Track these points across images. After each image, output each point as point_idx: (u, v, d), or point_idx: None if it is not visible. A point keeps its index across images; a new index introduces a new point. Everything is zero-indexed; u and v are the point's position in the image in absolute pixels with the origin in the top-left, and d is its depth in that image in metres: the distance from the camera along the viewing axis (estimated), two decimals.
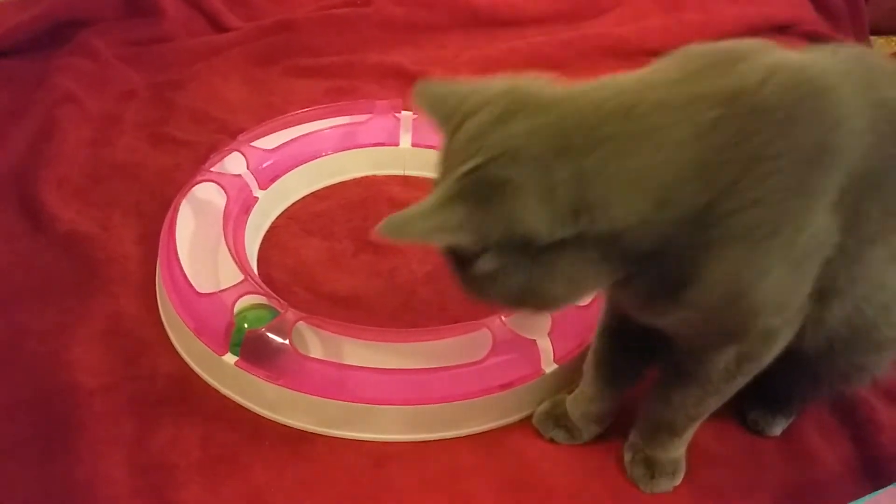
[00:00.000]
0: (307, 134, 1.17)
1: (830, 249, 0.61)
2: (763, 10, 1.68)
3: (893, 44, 1.81)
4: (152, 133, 1.27)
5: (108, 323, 0.93)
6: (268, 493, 0.77)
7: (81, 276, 0.99)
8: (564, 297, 0.61)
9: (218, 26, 1.57)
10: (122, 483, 0.76)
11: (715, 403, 0.72)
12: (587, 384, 0.80)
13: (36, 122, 1.25)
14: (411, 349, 0.86)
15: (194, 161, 1.16)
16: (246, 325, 0.85)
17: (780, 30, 1.66)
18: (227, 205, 1.02)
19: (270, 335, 0.83)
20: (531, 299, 0.60)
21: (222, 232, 0.97)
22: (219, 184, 1.04)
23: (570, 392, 0.83)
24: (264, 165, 1.11)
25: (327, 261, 1.05)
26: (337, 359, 0.84)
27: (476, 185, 0.55)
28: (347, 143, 1.19)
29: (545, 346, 0.85)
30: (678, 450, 0.78)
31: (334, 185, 1.19)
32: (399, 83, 1.43)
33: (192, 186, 1.04)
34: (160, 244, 0.98)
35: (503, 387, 0.83)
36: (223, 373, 0.85)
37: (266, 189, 1.09)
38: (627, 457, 0.79)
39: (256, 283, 0.91)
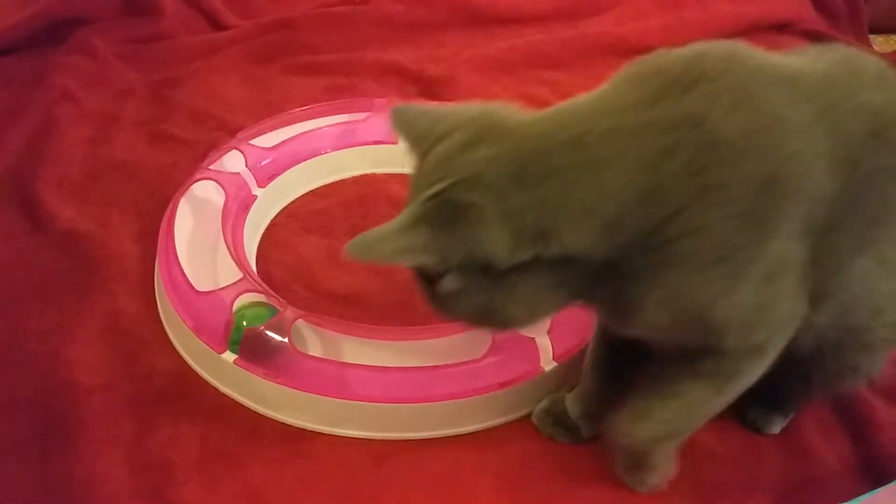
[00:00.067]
0: (306, 132, 1.17)
1: (805, 267, 0.61)
2: (762, 8, 1.68)
3: (892, 42, 1.81)
4: (151, 131, 1.27)
5: (106, 321, 0.93)
6: (267, 492, 0.77)
7: (80, 275, 0.99)
8: (523, 318, 0.63)
9: (216, 24, 1.57)
10: (122, 481, 0.76)
11: (717, 406, 0.71)
12: (587, 382, 0.81)
13: (34, 121, 1.25)
14: (411, 347, 0.86)
15: (193, 159, 1.16)
16: (245, 324, 0.85)
17: (779, 28, 1.67)
18: (226, 203, 1.02)
19: (269, 333, 0.83)
20: (492, 319, 0.62)
21: (221, 230, 0.97)
22: (218, 182, 1.04)
23: (569, 390, 0.83)
24: (263, 163, 1.11)
25: (326, 259, 1.05)
26: (336, 357, 0.84)
27: (440, 208, 0.57)
28: (346, 140, 1.19)
29: (544, 344, 0.85)
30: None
31: (333, 182, 1.19)
32: (398, 81, 1.43)
33: (191, 184, 1.04)
34: (159, 242, 0.97)
35: (502, 385, 0.83)
36: (222, 371, 0.85)
37: (265, 187, 1.09)
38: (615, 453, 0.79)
39: (255, 281, 0.91)
